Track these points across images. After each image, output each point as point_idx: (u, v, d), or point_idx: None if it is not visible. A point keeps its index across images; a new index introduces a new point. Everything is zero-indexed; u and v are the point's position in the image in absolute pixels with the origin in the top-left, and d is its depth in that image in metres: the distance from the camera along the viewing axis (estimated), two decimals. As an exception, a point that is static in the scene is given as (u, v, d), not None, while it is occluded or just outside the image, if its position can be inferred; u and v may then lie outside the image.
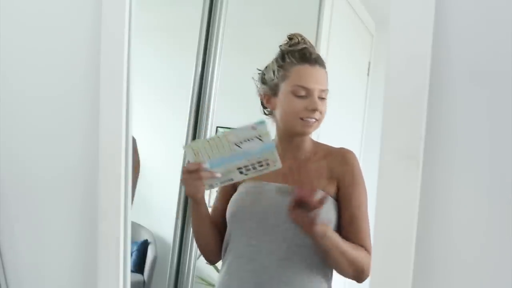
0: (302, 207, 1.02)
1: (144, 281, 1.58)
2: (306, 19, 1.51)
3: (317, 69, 1.14)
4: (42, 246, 1.23)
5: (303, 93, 1.12)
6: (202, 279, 1.55)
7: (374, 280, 0.82)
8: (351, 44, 1.54)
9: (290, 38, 1.17)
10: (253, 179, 1.16)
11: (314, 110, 1.12)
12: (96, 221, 1.10)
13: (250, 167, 1.10)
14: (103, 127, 1.10)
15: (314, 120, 1.13)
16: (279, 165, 1.09)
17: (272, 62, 1.19)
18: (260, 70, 1.23)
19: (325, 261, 1.10)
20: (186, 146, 1.24)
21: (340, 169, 1.13)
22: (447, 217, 0.80)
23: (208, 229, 1.21)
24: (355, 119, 1.52)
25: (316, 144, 1.21)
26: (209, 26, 1.45)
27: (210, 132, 1.45)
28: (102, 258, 1.09)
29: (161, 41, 1.70)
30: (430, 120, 0.80)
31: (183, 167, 1.22)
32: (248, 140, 1.06)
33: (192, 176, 1.11)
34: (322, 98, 1.13)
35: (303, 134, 1.16)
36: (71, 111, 1.20)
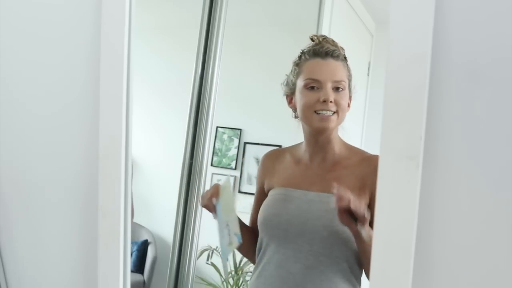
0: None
1: (144, 281, 1.58)
2: (306, 19, 1.51)
3: (329, 61, 1.13)
4: (42, 246, 1.23)
5: (314, 85, 1.12)
6: (202, 279, 1.55)
7: (374, 280, 0.82)
8: (351, 44, 1.54)
9: (311, 39, 1.18)
10: (281, 185, 1.17)
11: (326, 101, 1.10)
12: (96, 221, 1.10)
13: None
14: (103, 127, 1.10)
15: (330, 113, 1.11)
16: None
17: (292, 63, 1.20)
18: (287, 75, 1.23)
19: (353, 270, 1.09)
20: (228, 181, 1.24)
21: (375, 180, 1.08)
22: (447, 217, 0.80)
23: (246, 238, 1.21)
24: (355, 119, 1.51)
25: (349, 148, 1.18)
26: (209, 26, 1.45)
27: (210, 132, 1.45)
28: (102, 258, 1.09)
29: (161, 41, 1.70)
30: (430, 120, 0.80)
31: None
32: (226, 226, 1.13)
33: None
34: (338, 89, 1.12)
35: (321, 129, 1.13)
36: (71, 111, 1.20)
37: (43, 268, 1.23)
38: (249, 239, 1.20)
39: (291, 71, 1.19)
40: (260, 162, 1.29)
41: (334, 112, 1.11)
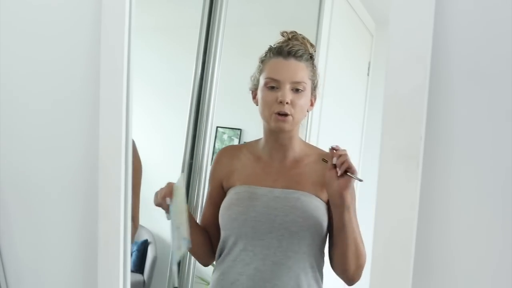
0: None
1: (144, 281, 1.58)
2: (306, 19, 1.51)
3: (290, 61, 1.12)
4: (42, 246, 1.24)
5: (273, 84, 1.12)
6: (202, 279, 1.55)
7: (374, 280, 0.82)
8: (351, 44, 1.54)
9: (282, 35, 1.18)
10: (244, 182, 1.16)
11: (282, 102, 1.09)
12: (96, 221, 1.10)
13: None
14: (103, 127, 1.10)
15: (285, 114, 1.10)
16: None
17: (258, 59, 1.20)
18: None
19: (318, 265, 1.11)
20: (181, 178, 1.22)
21: None
22: (447, 217, 0.80)
23: (197, 239, 1.22)
24: (355, 119, 1.51)
25: (308, 146, 1.19)
26: (209, 26, 1.45)
27: (210, 132, 1.45)
28: (102, 258, 1.09)
29: (161, 41, 1.69)
30: (430, 120, 0.80)
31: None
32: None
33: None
34: (298, 90, 1.12)
35: (277, 130, 1.13)
36: (71, 111, 1.20)
37: (43, 268, 1.23)
38: (200, 239, 1.21)
39: (257, 67, 1.19)
40: (215, 159, 1.27)
41: (289, 114, 1.11)
